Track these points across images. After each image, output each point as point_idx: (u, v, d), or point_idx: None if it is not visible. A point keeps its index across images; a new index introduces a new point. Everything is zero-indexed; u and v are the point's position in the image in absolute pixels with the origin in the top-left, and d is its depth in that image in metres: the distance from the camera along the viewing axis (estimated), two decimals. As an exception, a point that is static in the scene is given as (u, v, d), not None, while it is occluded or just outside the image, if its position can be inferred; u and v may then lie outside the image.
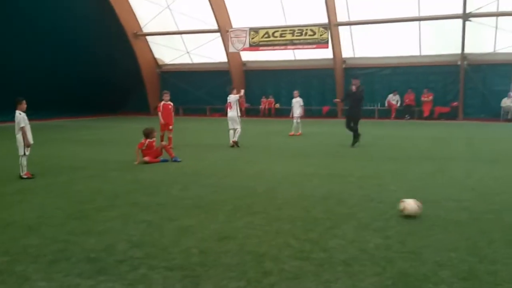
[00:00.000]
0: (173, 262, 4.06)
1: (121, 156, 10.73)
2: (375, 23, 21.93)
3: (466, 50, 20.97)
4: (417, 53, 22.75)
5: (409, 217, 5.34)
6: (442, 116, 21.96)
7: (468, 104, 22.04)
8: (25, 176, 8.05)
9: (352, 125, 12.13)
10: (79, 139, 14.85)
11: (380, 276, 3.71)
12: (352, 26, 23.04)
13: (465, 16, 19.95)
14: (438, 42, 21.72)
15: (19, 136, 8.04)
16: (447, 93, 22.60)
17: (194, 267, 3.93)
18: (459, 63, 21.41)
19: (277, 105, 26.10)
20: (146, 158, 9.71)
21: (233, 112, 12.25)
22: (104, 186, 7.33)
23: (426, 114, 22.22)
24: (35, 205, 6.15)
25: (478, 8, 19.56)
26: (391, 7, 21.13)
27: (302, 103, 16.00)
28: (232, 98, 12.32)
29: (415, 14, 21.30)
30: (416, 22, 21.64)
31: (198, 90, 26.62)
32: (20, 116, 8.03)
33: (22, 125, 8.00)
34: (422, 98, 22.37)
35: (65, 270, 3.89)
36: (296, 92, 16.23)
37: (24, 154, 8.05)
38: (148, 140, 9.91)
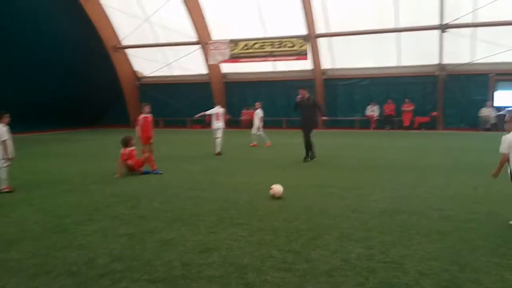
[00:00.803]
0: (155, 275, 4.01)
1: (101, 169, 10.57)
2: (354, 34, 22.31)
3: (444, 61, 21.52)
4: (396, 64, 23.24)
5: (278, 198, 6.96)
6: (422, 126, 22.42)
7: (448, 114, 22.54)
8: (4, 190, 7.90)
9: (305, 137, 11.68)
10: (58, 153, 14.55)
11: (363, 286, 3.74)
12: (331, 38, 23.41)
13: (442, 27, 20.52)
14: (416, 53, 22.15)
15: (1, 149, 7.90)
16: (427, 103, 23.11)
17: (176, 280, 3.88)
18: (437, 73, 21.97)
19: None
20: (130, 162, 9.70)
21: (220, 123, 13.34)
22: (83, 200, 7.19)
23: (406, 124, 22.66)
24: (14, 219, 6.03)
25: (455, 19, 20.11)
26: (369, 19, 21.57)
27: (261, 115, 16.50)
28: (221, 110, 13.54)
29: (393, 25, 21.80)
30: (395, 33, 22.13)
31: (178, 102, 26.52)
32: (3, 129, 7.93)
33: (3, 138, 7.89)
34: (403, 108, 22.79)
35: (46, 284, 3.83)
36: (258, 104, 16.82)
37: (4, 166, 7.92)
38: (127, 148, 9.83)
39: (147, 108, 11.55)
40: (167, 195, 7.51)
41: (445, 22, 20.42)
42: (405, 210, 6.18)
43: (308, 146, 11.62)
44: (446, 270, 4.07)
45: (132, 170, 9.85)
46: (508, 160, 5.60)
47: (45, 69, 21.40)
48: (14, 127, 9.10)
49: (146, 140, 11.18)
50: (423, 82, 22.89)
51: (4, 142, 7.90)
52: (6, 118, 8.06)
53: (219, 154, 12.87)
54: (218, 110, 13.46)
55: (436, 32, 20.86)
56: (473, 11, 19.84)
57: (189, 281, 3.86)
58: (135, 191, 7.94)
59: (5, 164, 7.95)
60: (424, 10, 20.64)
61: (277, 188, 7.20)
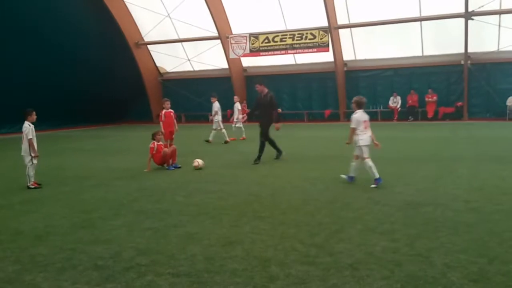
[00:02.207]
0: (179, 268, 4.05)
1: (125, 164, 10.77)
2: (376, 24, 21.91)
3: (469, 49, 20.85)
4: (419, 54, 22.68)
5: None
6: (446, 117, 21.87)
7: (473, 103, 21.91)
8: (32, 186, 8.14)
9: (260, 136, 10.48)
10: (83, 149, 14.91)
11: (388, 280, 3.68)
12: (353, 29, 23.05)
13: (468, 15, 19.86)
14: (440, 42, 21.62)
15: (26, 147, 8.15)
16: (451, 93, 22.51)
17: (200, 274, 3.92)
18: (462, 62, 21.30)
19: (279, 110, 26.05)
20: (166, 149, 9.90)
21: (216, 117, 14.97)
22: (109, 195, 7.34)
23: (430, 115, 22.13)
24: (42, 214, 6.18)
25: (481, 7, 19.44)
26: (391, 8, 21.11)
27: (239, 108, 16.67)
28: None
29: (416, 14, 21.27)
30: (418, 22, 21.59)
31: (200, 97, 26.70)
32: (29, 128, 8.17)
33: (30, 136, 8.12)
34: (426, 99, 22.26)
35: (73, 278, 3.91)
36: (236, 98, 17.03)
37: (32, 163, 8.17)
38: (156, 143, 9.95)
39: (167, 104, 11.67)
40: (190, 189, 7.58)
41: (470, 9, 19.75)
42: (430, 202, 6.05)
43: (262, 146, 10.39)
44: (474, 263, 3.96)
45: (166, 161, 9.90)
46: None
47: (70, 67, 21.92)
48: (42, 125, 9.39)
49: (169, 135, 11.31)
50: (447, 71, 22.30)
51: (30, 140, 8.13)
52: (33, 116, 8.28)
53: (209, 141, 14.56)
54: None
55: (461, 20, 20.21)
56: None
57: (212, 275, 3.89)
58: (159, 185, 8.06)
59: (31, 162, 8.16)
60: (448, -3, 20.05)
61: (200, 161, 9.58)
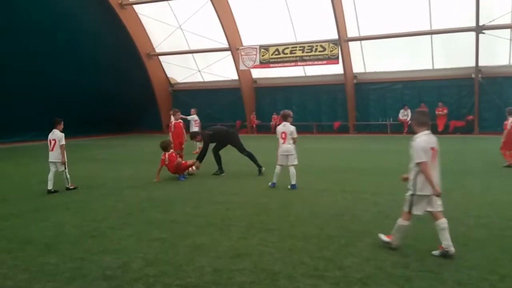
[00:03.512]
0: (187, 280, 4.04)
1: (135, 174, 10.84)
2: (386, 37, 21.95)
3: (480, 63, 20.74)
4: (430, 67, 22.63)
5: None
6: (457, 130, 21.68)
7: (484, 117, 21.70)
8: (71, 187, 8.79)
9: (242, 153, 10.76)
10: (94, 158, 15.04)
11: (398, 295, 3.63)
12: (363, 41, 23.12)
13: (478, 29, 19.81)
14: (451, 55, 21.55)
15: (58, 154, 8.71)
16: (462, 106, 22.34)
17: (208, 286, 3.91)
18: (473, 76, 21.18)
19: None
20: (179, 159, 9.98)
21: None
22: (118, 204, 7.39)
23: (440, 128, 21.94)
24: (52, 223, 6.23)
25: (492, 21, 19.40)
26: (401, 21, 21.14)
27: (197, 119, 16.99)
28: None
29: (426, 27, 21.26)
30: (428, 36, 21.59)
31: (210, 107, 26.83)
32: (61, 135, 8.72)
33: (62, 143, 8.67)
34: (437, 112, 22.11)
35: (82, 287, 3.91)
36: (193, 110, 17.14)
37: (65, 168, 8.73)
38: (167, 153, 10.01)
39: (178, 114, 11.74)
40: (198, 200, 7.59)
41: (481, 23, 19.72)
42: (442, 218, 5.97)
43: (251, 156, 10.63)
44: (485, 280, 3.90)
45: (179, 171, 9.97)
46: None
47: (83, 77, 22.22)
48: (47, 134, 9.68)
49: (179, 146, 11.36)
50: (458, 85, 22.17)
51: (62, 146, 8.70)
52: (61, 125, 8.85)
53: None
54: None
55: (472, 34, 20.16)
56: (510, 12, 19.11)
57: (220, 287, 3.88)
58: (168, 196, 8.09)
59: (64, 166, 8.76)
60: (459, 11, 20.06)
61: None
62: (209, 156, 11.41)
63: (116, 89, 24.12)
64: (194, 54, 26.85)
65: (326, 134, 23.98)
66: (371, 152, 15.02)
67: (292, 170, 8.61)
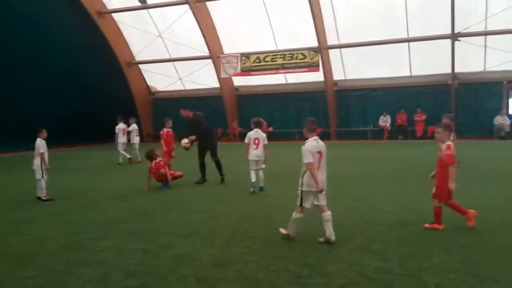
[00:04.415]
0: (170, 291, 3.99)
1: (115, 184, 10.69)
2: (365, 45, 22.35)
3: (457, 70, 21.35)
4: (408, 74, 23.14)
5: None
6: (435, 135, 22.14)
7: (461, 122, 22.16)
8: (44, 198, 8.61)
9: (212, 157, 10.47)
10: (73, 168, 14.74)
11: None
12: (343, 49, 23.47)
13: (454, 36, 20.40)
14: (428, 62, 22.05)
15: (36, 161, 8.69)
16: (439, 112, 22.80)
17: (191, 296, 3.86)
18: (449, 82, 21.76)
19: (270, 129, 26.23)
20: (163, 170, 9.83)
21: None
22: (98, 215, 7.25)
23: (419, 133, 22.41)
24: (31, 235, 6.08)
25: (466, 28, 20.01)
26: (380, 29, 21.61)
27: (123, 128, 16.79)
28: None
29: (404, 35, 21.77)
30: (406, 43, 22.09)
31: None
32: (40, 143, 8.74)
33: (41, 151, 8.67)
34: (415, 118, 22.60)
35: (60, 302, 3.81)
36: (119, 117, 17.03)
37: (42, 177, 8.62)
38: (154, 162, 9.92)
39: (169, 123, 11.74)
40: (181, 209, 7.52)
41: (456, 31, 20.31)
42: (422, 222, 6.07)
43: (218, 164, 10.41)
44: (465, 283, 3.97)
45: (162, 180, 9.87)
46: None
47: (59, 85, 21.84)
48: (28, 143, 9.57)
49: (168, 154, 11.29)
50: (436, 91, 22.73)
51: (41, 154, 8.66)
52: (44, 133, 8.88)
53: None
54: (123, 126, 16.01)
55: (448, 41, 20.75)
56: (484, 20, 19.73)
57: (204, 297, 3.84)
58: (149, 205, 7.98)
59: (43, 176, 8.60)
60: (435, 19, 20.60)
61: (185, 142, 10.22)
62: (191, 164, 11.35)
63: (95, 97, 23.76)
64: (175, 62, 26.74)
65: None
66: (352, 158, 15.19)
67: (261, 173, 9.10)
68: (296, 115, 25.98)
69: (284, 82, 26.06)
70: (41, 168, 8.66)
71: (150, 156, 10.04)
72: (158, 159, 10.14)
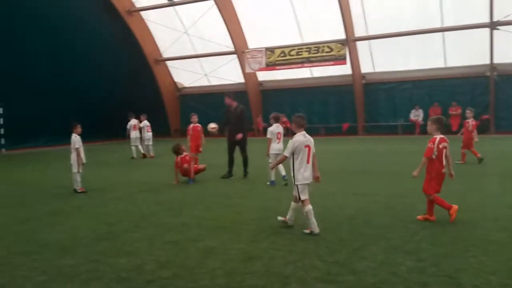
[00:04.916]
0: (199, 283, 4.03)
1: (145, 178, 10.91)
2: (395, 36, 21.71)
3: (495, 60, 20.38)
4: (442, 65, 22.34)
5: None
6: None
7: (500, 116, 21.28)
8: (79, 191, 8.93)
9: (241, 152, 10.48)
10: (105, 162, 15.14)
11: (415, 300, 3.55)
12: (371, 41, 22.94)
13: (492, 25, 19.45)
14: (464, 53, 21.12)
15: (73, 156, 8.93)
16: (476, 105, 21.84)
17: (220, 289, 3.87)
18: (488, 74, 20.82)
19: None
20: (186, 166, 9.92)
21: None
22: (130, 208, 7.41)
23: (454, 128, 21.60)
24: (68, 226, 6.29)
25: (506, 16, 19.07)
26: (412, 19, 20.93)
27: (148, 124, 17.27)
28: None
29: (438, 25, 20.99)
30: (440, 33, 21.29)
31: (217, 111, 26.86)
32: (76, 139, 8.97)
33: (76, 146, 8.90)
34: (450, 112, 21.80)
35: (98, 289, 3.92)
36: (143, 116, 17.50)
37: (78, 171, 8.91)
38: (179, 156, 10.03)
39: (195, 118, 11.84)
40: (208, 203, 7.58)
41: (495, 19, 19.34)
42: (457, 220, 5.86)
43: (246, 161, 10.49)
44: (506, 285, 3.80)
45: (186, 175, 10.00)
46: None
47: (90, 83, 22.43)
48: (64, 139, 9.88)
49: (195, 149, 11.39)
50: (472, 83, 21.83)
51: (77, 149, 8.91)
52: (78, 128, 9.11)
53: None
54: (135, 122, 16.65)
55: (486, 30, 19.79)
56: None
57: (233, 290, 3.84)
58: (178, 199, 8.09)
59: (78, 170, 8.91)
60: (472, 7, 19.68)
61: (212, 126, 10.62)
62: (219, 159, 11.39)
63: (125, 94, 24.29)
64: (201, 58, 26.94)
65: (334, 136, 23.86)
66: (382, 154, 14.88)
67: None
68: (322, 110, 25.71)
69: (309, 76, 25.79)
70: (77, 162, 8.93)
71: (176, 151, 10.13)
72: (184, 153, 10.22)
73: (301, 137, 5.63)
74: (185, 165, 9.97)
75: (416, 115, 22.86)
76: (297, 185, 5.56)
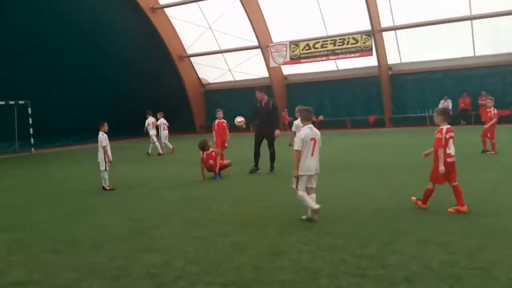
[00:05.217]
0: (228, 278, 4.05)
1: (171, 174, 11.06)
2: (422, 25, 21.18)
3: (527, 48, 19.64)
4: (471, 54, 21.64)
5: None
6: (502, 120, 20.58)
7: (534, 106, 20.52)
8: (107, 188, 9.08)
9: (268, 147, 10.32)
10: (132, 159, 15.45)
11: (448, 294, 3.47)
12: (398, 31, 22.45)
13: (523, 12, 18.73)
14: (494, 41, 20.45)
15: (100, 154, 9.12)
16: (507, 95, 21.24)
17: (249, 284, 3.89)
18: (519, 62, 20.08)
19: (321, 117, 25.86)
20: (211, 162, 10.00)
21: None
22: (158, 204, 7.53)
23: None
24: (97, 223, 6.43)
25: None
26: (439, 8, 20.34)
27: (152, 121, 17.46)
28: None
29: (466, 13, 20.32)
30: (468, 21, 20.62)
31: (241, 106, 26.95)
32: (102, 137, 9.15)
33: (104, 144, 9.07)
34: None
35: (128, 285, 4.01)
36: (160, 114, 17.66)
37: (106, 169, 9.10)
38: (205, 152, 10.10)
39: (220, 114, 11.89)
40: (235, 199, 7.61)
41: (526, 5, 18.62)
42: (490, 212, 5.69)
43: (273, 156, 10.34)
44: (543, 278, 3.66)
45: (212, 170, 10.09)
46: None
47: (118, 83, 22.92)
48: (93, 137, 10.12)
49: (221, 145, 11.48)
50: (502, 72, 21.10)
51: (104, 147, 9.05)
52: (105, 126, 9.24)
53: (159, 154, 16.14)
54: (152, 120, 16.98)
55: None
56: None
57: (261, 285, 3.85)
58: (204, 195, 8.16)
59: (105, 168, 9.08)
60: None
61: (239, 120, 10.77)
62: (244, 154, 11.42)
63: (150, 91, 24.68)
64: (225, 54, 27.03)
65: (361, 129, 23.51)
66: (410, 146, 14.55)
67: None
68: (348, 103, 25.38)
69: (334, 69, 25.47)
70: (104, 160, 9.10)
71: (203, 147, 10.17)
72: (211, 149, 10.29)
73: (308, 130, 5.77)
74: (211, 161, 10.04)
75: (445, 105, 22.18)
76: (298, 176, 5.72)
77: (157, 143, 16.77)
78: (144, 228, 5.98)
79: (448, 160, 5.94)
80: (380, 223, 5.58)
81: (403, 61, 23.38)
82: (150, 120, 17.37)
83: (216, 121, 11.88)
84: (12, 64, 18.47)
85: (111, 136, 9.78)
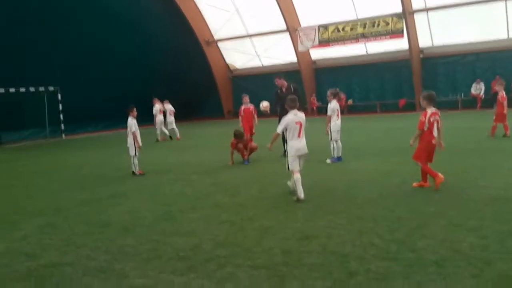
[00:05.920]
0: (257, 261, 4.12)
1: (200, 159, 11.21)
2: (455, 6, 20.39)
3: None
4: (505, 36, 20.72)
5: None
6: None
7: None
8: (137, 173, 9.26)
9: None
10: (161, 145, 15.76)
11: (478, 278, 3.44)
12: (429, 12, 21.69)
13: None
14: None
15: (130, 139, 9.26)
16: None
17: (278, 267, 3.96)
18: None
19: (350, 102, 25.48)
20: (240, 145, 10.02)
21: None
22: (186, 189, 7.68)
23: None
24: (128, 207, 6.62)
25: None
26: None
27: (160, 108, 17.55)
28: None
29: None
30: (502, 2, 19.72)
31: (269, 92, 26.84)
32: (132, 122, 9.25)
33: (133, 129, 9.18)
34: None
35: (159, 267, 4.14)
36: (166, 101, 17.93)
37: (135, 154, 9.25)
38: (239, 142, 10.08)
39: (246, 99, 11.89)
40: (263, 183, 7.68)
41: None
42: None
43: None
44: None
45: (241, 152, 10.09)
46: None
47: (150, 63, 23.16)
48: (121, 123, 10.19)
49: (249, 130, 11.54)
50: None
51: (133, 133, 9.15)
52: (134, 112, 9.31)
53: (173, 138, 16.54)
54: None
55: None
56: None
57: (290, 268, 3.91)
58: (232, 180, 8.26)
59: (135, 153, 9.22)
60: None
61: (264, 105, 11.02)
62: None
63: (178, 77, 24.89)
64: (253, 39, 26.86)
65: (391, 113, 23.03)
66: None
67: (339, 143, 9.43)
68: (378, 87, 24.88)
69: (364, 53, 24.93)
70: (134, 146, 9.24)
71: (238, 135, 10.08)
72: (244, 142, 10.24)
73: (292, 115, 6.31)
74: (240, 145, 10.08)
75: (478, 88, 21.44)
76: (287, 157, 6.32)
77: (163, 129, 17.17)
78: (173, 212, 6.13)
79: (433, 141, 6.38)
80: (410, 207, 5.53)
81: (435, 44, 22.62)
82: (158, 107, 17.67)
83: (242, 107, 11.89)
84: (42, 51, 18.85)
85: (141, 121, 9.93)
